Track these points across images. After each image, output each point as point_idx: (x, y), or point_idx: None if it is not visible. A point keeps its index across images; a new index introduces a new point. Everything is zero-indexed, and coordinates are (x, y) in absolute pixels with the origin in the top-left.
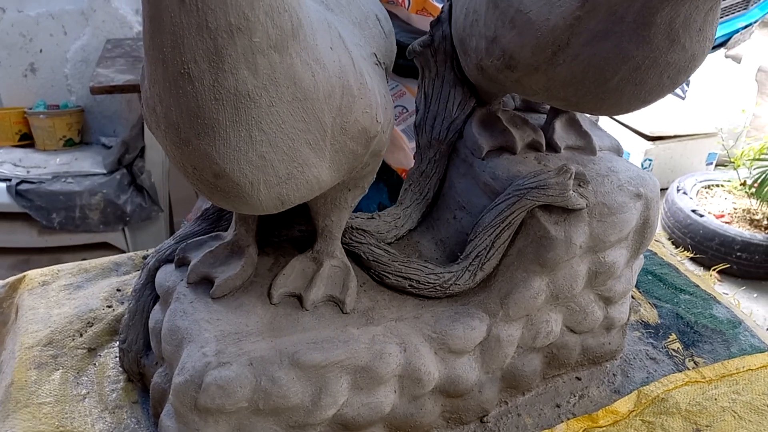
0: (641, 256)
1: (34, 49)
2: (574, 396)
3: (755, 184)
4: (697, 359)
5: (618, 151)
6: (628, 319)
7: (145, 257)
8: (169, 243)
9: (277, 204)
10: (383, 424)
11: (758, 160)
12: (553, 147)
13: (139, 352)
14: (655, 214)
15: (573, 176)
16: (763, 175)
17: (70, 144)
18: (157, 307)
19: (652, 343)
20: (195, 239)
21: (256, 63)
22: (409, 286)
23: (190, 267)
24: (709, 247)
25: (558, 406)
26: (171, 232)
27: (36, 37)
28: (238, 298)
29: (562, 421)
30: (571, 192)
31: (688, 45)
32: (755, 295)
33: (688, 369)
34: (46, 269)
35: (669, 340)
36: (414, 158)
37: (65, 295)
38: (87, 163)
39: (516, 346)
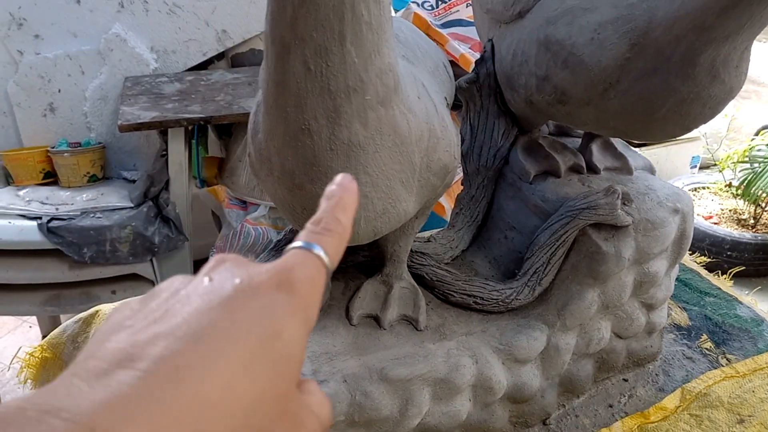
0: (677, 265)
1: (52, 89)
2: (624, 396)
3: (741, 185)
4: (729, 356)
5: (651, 170)
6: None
7: None
8: None
9: (371, 236)
10: (460, 430)
11: (742, 162)
12: (593, 169)
13: None
14: (690, 227)
15: (620, 196)
16: (748, 176)
17: (93, 180)
18: None
19: (686, 343)
20: None
21: (367, 117)
22: (473, 302)
23: None
24: (700, 248)
25: (611, 406)
26: (193, 259)
27: (54, 78)
28: (320, 321)
29: (617, 420)
30: (619, 210)
31: (727, 80)
32: (747, 292)
33: (722, 366)
34: (117, 304)
35: (701, 340)
36: (462, 184)
37: None
38: (113, 197)
39: (571, 353)
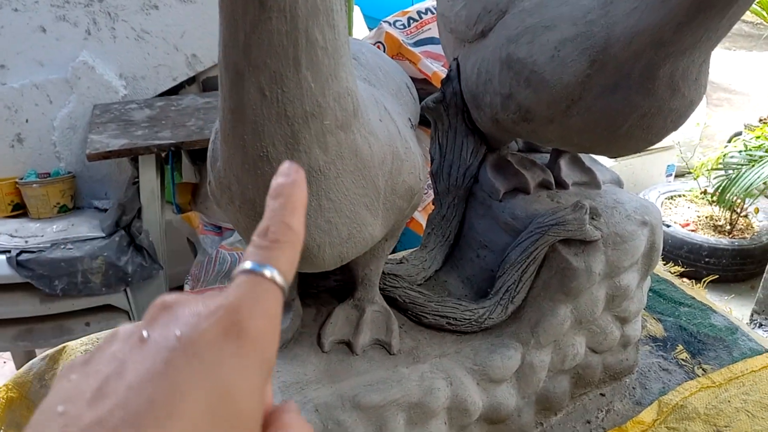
0: (648, 276)
1: (20, 119)
2: (601, 411)
3: (716, 192)
4: (704, 366)
5: (619, 183)
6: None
7: None
8: None
9: (337, 261)
10: None
11: (716, 169)
12: (561, 184)
13: None
14: (660, 238)
15: (588, 211)
16: (723, 183)
17: (63, 210)
18: None
19: (662, 355)
20: None
21: (327, 142)
22: (446, 323)
23: None
24: (679, 255)
25: (588, 422)
26: (168, 287)
27: (21, 108)
28: (291, 349)
29: None
30: (588, 225)
31: (687, 93)
32: (726, 298)
33: (698, 376)
34: (84, 338)
35: (677, 350)
36: (433, 204)
37: None
38: (84, 227)
39: (547, 370)
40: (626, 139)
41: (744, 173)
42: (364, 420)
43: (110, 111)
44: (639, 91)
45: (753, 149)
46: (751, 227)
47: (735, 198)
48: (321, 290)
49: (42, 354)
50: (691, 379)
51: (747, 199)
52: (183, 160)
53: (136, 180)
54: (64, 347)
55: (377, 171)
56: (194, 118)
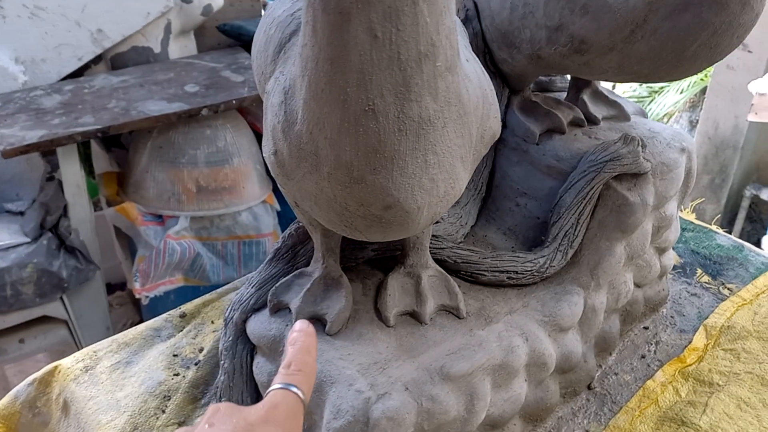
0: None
1: None
2: (651, 344)
3: None
4: (728, 286)
5: (642, 113)
6: None
7: (182, 315)
8: (248, 292)
9: (430, 223)
10: (519, 414)
11: None
12: (592, 120)
13: None
14: (695, 164)
15: (640, 143)
16: None
17: None
18: (261, 359)
19: (686, 281)
20: (280, 282)
21: (437, 87)
22: (507, 278)
23: (295, 310)
24: None
25: (643, 357)
26: (106, 287)
27: None
28: (353, 329)
29: (655, 370)
30: (642, 158)
31: (756, 5)
32: None
33: (727, 296)
34: (78, 354)
35: (698, 275)
36: None
37: (119, 375)
38: (3, 234)
39: (604, 311)
40: (691, 60)
41: (647, 106)
42: (455, 390)
43: (13, 101)
44: (711, 7)
45: None
46: None
47: None
48: (359, 262)
49: (28, 379)
50: (722, 300)
51: None
52: (93, 148)
53: (51, 175)
54: (56, 367)
55: (472, 117)
56: (114, 99)
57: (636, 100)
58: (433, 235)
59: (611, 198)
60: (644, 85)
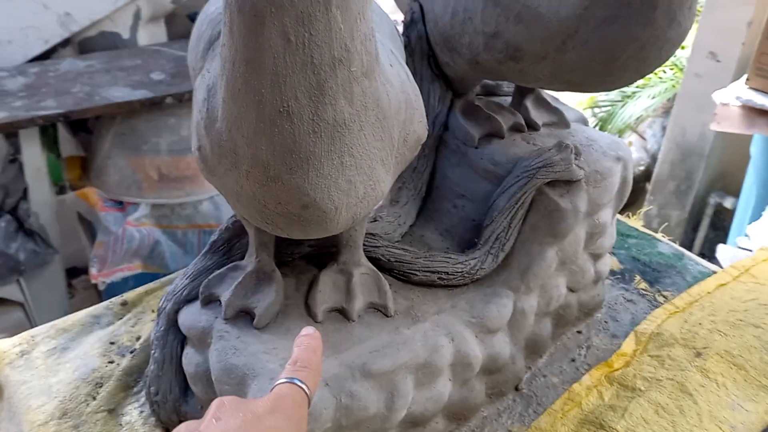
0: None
1: None
2: (582, 348)
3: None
4: (664, 293)
5: (584, 121)
6: None
7: (123, 303)
8: (182, 282)
9: (349, 223)
10: (443, 413)
11: (590, 108)
12: (532, 126)
13: (177, 401)
14: (630, 173)
15: (573, 150)
16: (599, 122)
17: None
18: (190, 350)
19: (623, 287)
20: (214, 274)
21: (353, 91)
22: (437, 279)
23: (225, 302)
24: None
25: (573, 360)
26: (65, 272)
27: None
28: (281, 323)
29: (583, 373)
30: (574, 165)
31: (683, 21)
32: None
33: (661, 303)
34: (16, 338)
35: (636, 281)
36: None
37: (55, 361)
38: None
39: (534, 314)
40: (621, 72)
41: (618, 111)
42: (376, 388)
43: None
44: (639, 21)
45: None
46: None
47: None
48: (296, 257)
49: None
50: (656, 307)
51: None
52: (60, 132)
53: (13, 157)
54: None
55: (393, 121)
56: (78, 83)
57: (609, 104)
58: (369, 234)
59: (543, 203)
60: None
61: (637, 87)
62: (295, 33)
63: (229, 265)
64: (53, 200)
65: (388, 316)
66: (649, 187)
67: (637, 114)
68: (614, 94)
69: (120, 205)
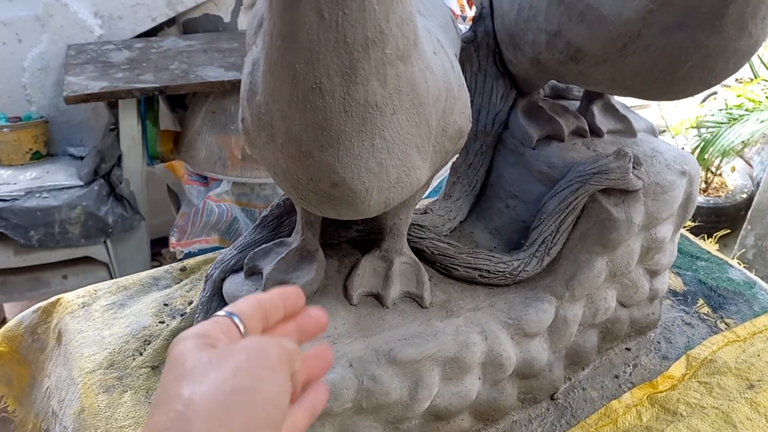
0: (680, 230)
1: None
2: (628, 366)
3: (694, 152)
4: (727, 320)
5: (653, 131)
6: None
7: (182, 269)
8: (231, 253)
9: (382, 207)
10: (469, 410)
11: (694, 127)
12: (596, 132)
13: None
14: (696, 190)
15: (631, 159)
16: (700, 143)
17: (37, 157)
18: None
19: (684, 309)
20: (260, 248)
21: (386, 74)
22: (479, 276)
23: (265, 275)
24: None
25: (617, 377)
26: (149, 238)
27: None
28: (318, 302)
29: (625, 391)
30: (631, 174)
31: (754, 32)
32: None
33: (722, 330)
34: (81, 290)
35: (698, 305)
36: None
37: (111, 315)
38: (60, 175)
39: (578, 324)
40: (684, 81)
41: (723, 132)
42: (399, 375)
43: (86, 52)
44: (705, 29)
45: (733, 108)
46: (725, 186)
47: (713, 157)
48: (342, 241)
49: (34, 306)
50: (715, 333)
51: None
52: (161, 107)
53: (114, 126)
54: (59, 299)
55: (431, 109)
56: (177, 61)
57: (715, 125)
58: (417, 225)
59: (595, 211)
60: (723, 111)
61: (746, 110)
62: (329, 10)
63: (275, 241)
64: (144, 169)
65: (423, 307)
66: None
67: (743, 137)
68: (721, 116)
69: (204, 180)
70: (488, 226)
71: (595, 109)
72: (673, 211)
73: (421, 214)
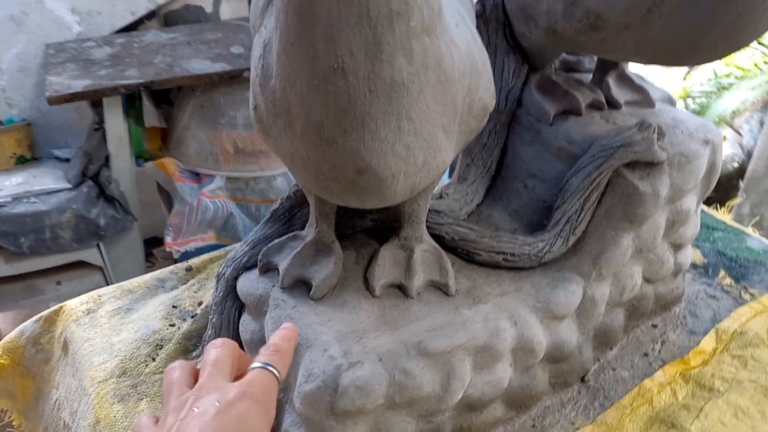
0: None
1: None
2: (656, 343)
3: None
4: (751, 291)
5: (671, 101)
6: None
7: (188, 269)
8: (243, 250)
9: (408, 193)
10: (502, 399)
11: (682, 98)
12: (613, 104)
13: None
14: (720, 158)
15: (656, 130)
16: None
17: (22, 161)
18: (247, 317)
19: (706, 281)
20: (273, 243)
21: (412, 48)
22: (502, 260)
23: (282, 271)
24: None
25: (646, 355)
26: (143, 239)
27: None
28: (338, 296)
29: (656, 369)
30: (656, 146)
31: None
32: None
33: (747, 301)
34: (84, 297)
35: (720, 276)
36: None
37: (118, 321)
38: (47, 179)
39: (605, 303)
40: (710, 46)
41: (713, 102)
42: (431, 367)
43: (66, 50)
44: None
45: (722, 77)
46: None
47: None
48: (357, 231)
49: (35, 316)
50: (741, 304)
51: None
52: (144, 103)
53: (98, 125)
54: (62, 307)
55: (458, 85)
56: (161, 55)
57: (703, 95)
58: (434, 210)
59: (621, 186)
60: (712, 80)
61: (735, 78)
62: None
63: (289, 235)
64: (133, 169)
65: (448, 296)
66: (742, 184)
67: (733, 107)
68: (710, 86)
69: (196, 176)
70: (507, 207)
71: (611, 81)
72: (697, 182)
73: (437, 198)
